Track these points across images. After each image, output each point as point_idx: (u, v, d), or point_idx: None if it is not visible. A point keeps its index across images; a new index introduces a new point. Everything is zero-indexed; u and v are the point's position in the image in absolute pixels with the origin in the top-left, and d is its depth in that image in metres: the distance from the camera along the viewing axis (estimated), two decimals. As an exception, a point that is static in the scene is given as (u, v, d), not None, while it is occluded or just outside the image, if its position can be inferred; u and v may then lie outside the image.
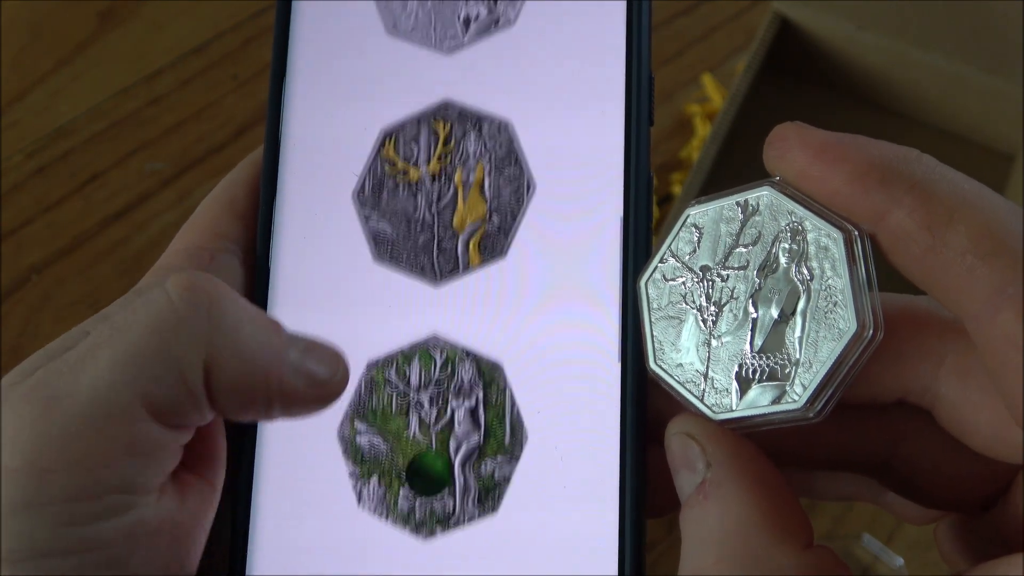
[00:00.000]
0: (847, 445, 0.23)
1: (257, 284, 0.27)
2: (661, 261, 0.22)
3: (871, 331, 0.20)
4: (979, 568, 0.19)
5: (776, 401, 0.20)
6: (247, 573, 0.26)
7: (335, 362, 0.23)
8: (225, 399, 0.22)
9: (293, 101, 0.28)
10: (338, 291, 0.27)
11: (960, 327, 0.20)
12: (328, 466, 0.26)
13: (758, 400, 0.21)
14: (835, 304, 0.20)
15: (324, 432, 0.27)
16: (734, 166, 0.49)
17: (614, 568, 0.24)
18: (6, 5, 0.58)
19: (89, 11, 0.58)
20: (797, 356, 0.20)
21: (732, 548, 0.19)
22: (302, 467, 0.27)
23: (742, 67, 0.51)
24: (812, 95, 0.55)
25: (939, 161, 0.20)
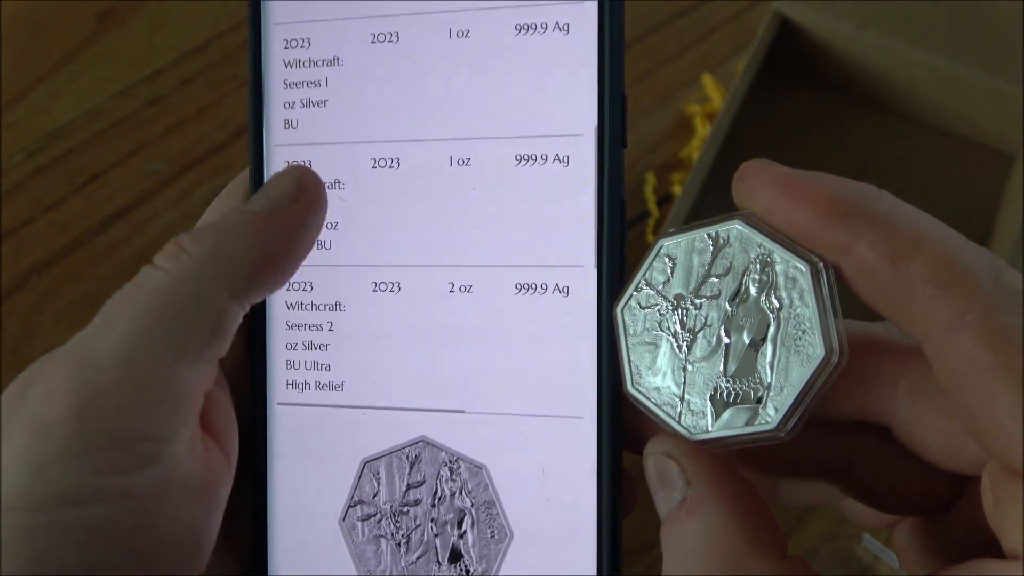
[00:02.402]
0: (811, 458, 0.25)
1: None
2: (636, 290, 0.23)
3: (837, 357, 0.21)
4: (950, 570, 0.20)
5: (750, 422, 0.21)
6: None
7: (291, 175, 0.24)
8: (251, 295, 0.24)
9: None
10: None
11: (913, 353, 0.22)
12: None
13: (733, 421, 0.22)
14: (803, 332, 0.21)
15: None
16: (734, 166, 0.49)
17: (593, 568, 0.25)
18: (6, 5, 0.58)
19: (89, 11, 0.58)
20: (769, 380, 0.21)
21: (715, 560, 0.21)
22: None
23: (742, 67, 0.51)
24: (812, 95, 0.55)
25: (896, 198, 0.21)
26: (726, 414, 0.22)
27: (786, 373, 0.21)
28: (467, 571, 0.26)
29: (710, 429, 0.22)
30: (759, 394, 0.21)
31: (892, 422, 0.23)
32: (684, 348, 0.22)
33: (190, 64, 0.57)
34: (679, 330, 0.22)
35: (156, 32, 0.58)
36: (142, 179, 0.54)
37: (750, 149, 0.53)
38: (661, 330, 0.23)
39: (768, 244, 0.21)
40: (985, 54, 0.50)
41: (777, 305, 0.21)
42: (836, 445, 0.24)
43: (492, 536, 0.26)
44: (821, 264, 0.21)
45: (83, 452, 0.21)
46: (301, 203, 0.24)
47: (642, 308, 0.23)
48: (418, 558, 0.26)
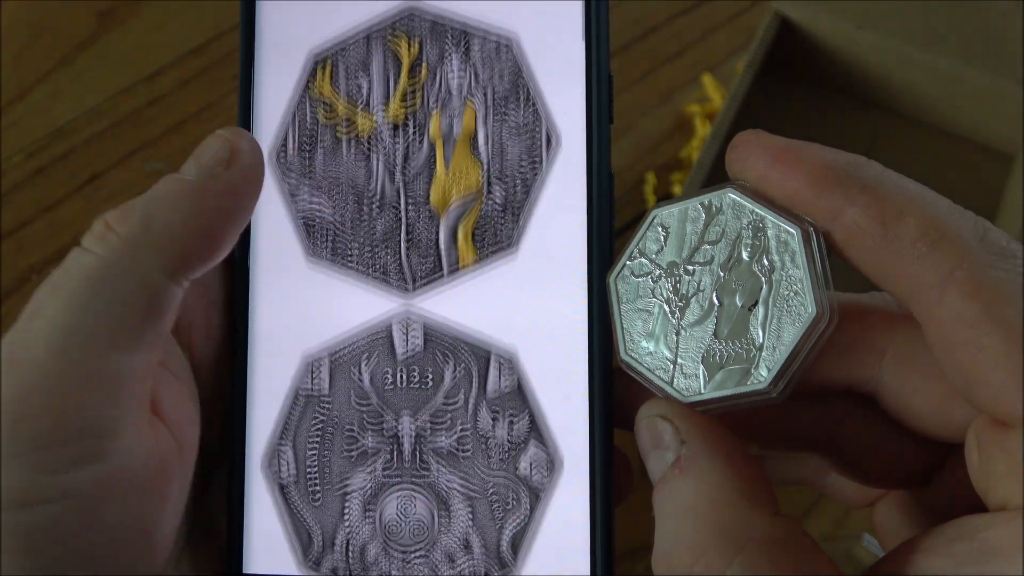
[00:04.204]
0: (797, 429, 0.25)
1: (235, 336, 0.27)
2: (629, 259, 0.24)
3: (828, 316, 0.21)
4: (931, 533, 0.20)
5: (742, 382, 0.22)
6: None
7: (223, 138, 0.23)
8: (189, 263, 0.23)
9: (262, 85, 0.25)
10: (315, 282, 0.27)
11: (900, 320, 0.23)
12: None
13: (725, 382, 0.22)
14: (795, 292, 0.21)
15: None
16: (734, 166, 0.49)
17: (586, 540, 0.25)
18: (6, 5, 0.58)
19: (89, 11, 0.58)
20: (761, 341, 0.22)
21: (709, 516, 0.21)
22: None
23: (742, 67, 0.51)
24: (812, 95, 0.55)
25: (883, 166, 0.21)
26: (719, 375, 0.22)
27: (778, 333, 0.22)
28: None
29: (703, 391, 0.22)
30: (751, 355, 0.22)
31: (878, 389, 0.23)
32: (677, 313, 0.23)
33: (190, 64, 0.57)
34: (672, 296, 0.23)
35: (156, 32, 0.58)
36: (142, 179, 0.54)
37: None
38: (654, 297, 0.23)
39: (760, 211, 0.22)
40: (985, 54, 0.50)
41: (769, 268, 0.22)
42: (822, 416, 0.25)
43: None
44: (812, 228, 0.21)
45: (20, 453, 0.21)
46: (235, 169, 0.23)
47: (635, 276, 0.23)
48: None
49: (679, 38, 0.58)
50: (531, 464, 0.23)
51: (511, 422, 0.23)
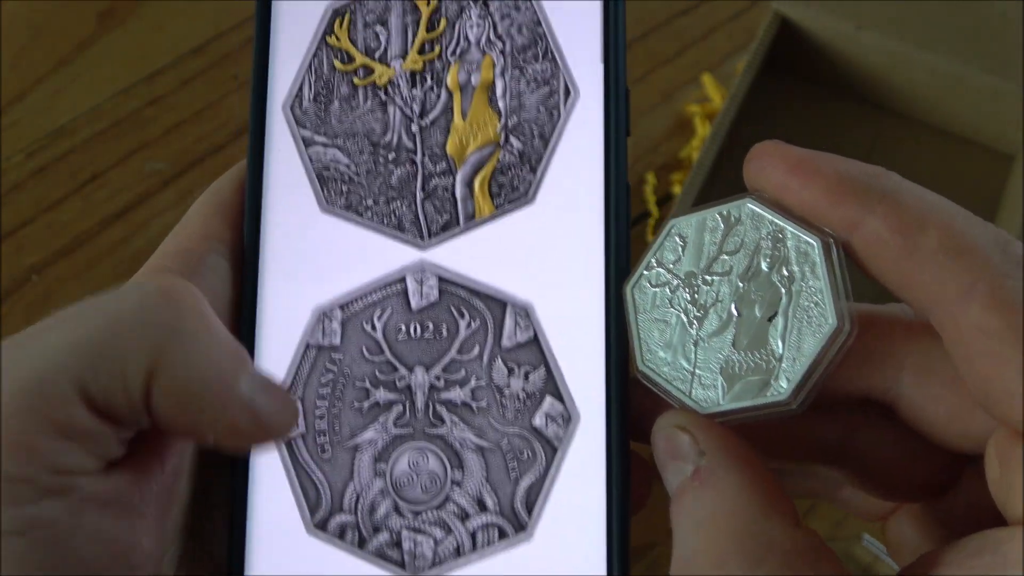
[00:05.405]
0: (813, 439, 0.25)
1: (245, 288, 0.27)
2: (646, 269, 0.23)
3: (848, 327, 0.21)
4: (950, 547, 0.20)
5: (762, 394, 0.22)
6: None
7: (285, 408, 0.23)
8: (163, 410, 0.21)
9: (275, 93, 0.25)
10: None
11: (920, 330, 0.23)
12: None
13: (744, 394, 0.22)
14: (815, 304, 0.21)
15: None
16: (734, 166, 0.49)
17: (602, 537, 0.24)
18: (6, 5, 0.58)
19: (89, 11, 0.58)
20: (780, 352, 0.22)
21: (729, 527, 0.20)
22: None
23: (742, 67, 0.51)
24: (812, 95, 0.55)
25: (902, 177, 0.21)
26: (737, 386, 0.22)
27: (798, 344, 0.21)
28: None
29: (722, 402, 0.22)
30: (771, 366, 0.22)
31: (897, 399, 0.23)
32: (695, 324, 0.23)
33: (190, 64, 0.57)
34: (690, 306, 0.23)
35: (156, 32, 0.58)
36: (142, 179, 0.54)
37: (750, 149, 0.53)
38: (672, 307, 0.23)
39: (780, 221, 0.22)
40: (985, 54, 0.50)
41: (788, 278, 0.22)
42: (838, 426, 0.24)
43: None
44: (832, 239, 0.21)
45: None
46: (258, 432, 0.22)
47: (652, 286, 0.23)
48: None
49: (679, 38, 0.58)
50: (547, 417, 0.23)
51: (527, 374, 0.23)
